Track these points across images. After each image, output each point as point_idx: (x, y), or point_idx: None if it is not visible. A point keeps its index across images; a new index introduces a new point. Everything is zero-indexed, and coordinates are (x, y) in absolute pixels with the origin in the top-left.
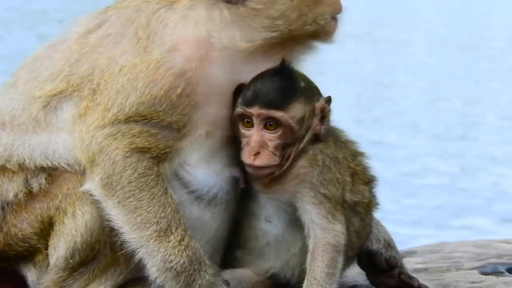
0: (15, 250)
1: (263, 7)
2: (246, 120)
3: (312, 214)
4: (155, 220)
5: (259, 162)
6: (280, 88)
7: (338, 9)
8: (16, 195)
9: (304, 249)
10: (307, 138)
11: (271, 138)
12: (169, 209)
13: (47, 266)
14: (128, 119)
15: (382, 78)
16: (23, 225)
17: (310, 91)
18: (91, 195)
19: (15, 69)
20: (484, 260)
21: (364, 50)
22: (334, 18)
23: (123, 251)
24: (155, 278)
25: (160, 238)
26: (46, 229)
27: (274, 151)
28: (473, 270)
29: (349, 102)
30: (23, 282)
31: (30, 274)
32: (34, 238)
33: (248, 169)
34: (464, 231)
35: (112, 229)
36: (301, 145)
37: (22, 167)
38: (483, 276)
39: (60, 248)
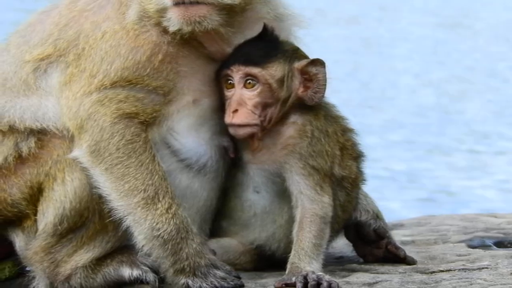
0: (3, 215)
1: None
2: (229, 81)
3: (301, 185)
4: (143, 188)
5: (237, 119)
6: (260, 47)
7: None
8: (5, 159)
9: (290, 222)
10: (290, 101)
11: (250, 96)
12: (157, 176)
13: (35, 232)
14: (114, 85)
15: None
16: (13, 190)
17: (292, 53)
18: (79, 162)
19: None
20: (471, 234)
21: None
22: (175, 4)
23: (112, 218)
24: (142, 246)
25: (147, 206)
26: (35, 194)
27: (253, 109)
28: (460, 243)
29: None
30: (10, 247)
31: (18, 239)
32: (23, 203)
33: (230, 130)
34: None
35: (101, 196)
36: (284, 108)
37: (12, 129)
38: (470, 249)
39: (49, 214)
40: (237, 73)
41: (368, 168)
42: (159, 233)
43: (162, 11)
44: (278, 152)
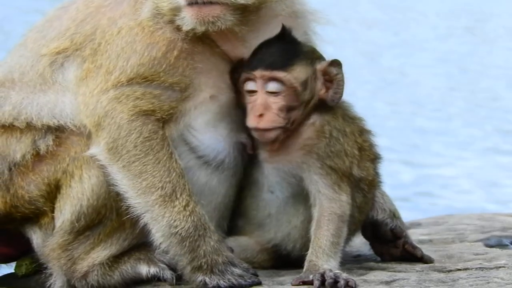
0: (21, 212)
1: None
2: (250, 87)
3: (319, 184)
4: (160, 185)
5: (263, 124)
6: (282, 51)
7: None
8: (23, 156)
9: (305, 223)
10: (312, 102)
11: (275, 100)
12: (174, 174)
13: (53, 229)
14: (130, 81)
15: None
16: (30, 187)
17: (312, 54)
18: (96, 159)
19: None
20: (488, 233)
21: None
22: (189, 4)
23: (129, 216)
24: (160, 243)
25: (165, 203)
26: (53, 192)
27: (278, 113)
28: (478, 242)
29: None
30: (28, 244)
31: (36, 236)
32: (41, 200)
33: (254, 134)
34: None
35: (118, 194)
36: (307, 110)
37: (30, 126)
38: (487, 248)
39: (66, 211)
40: (260, 78)
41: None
42: (176, 230)
43: (176, 10)
44: (295, 153)
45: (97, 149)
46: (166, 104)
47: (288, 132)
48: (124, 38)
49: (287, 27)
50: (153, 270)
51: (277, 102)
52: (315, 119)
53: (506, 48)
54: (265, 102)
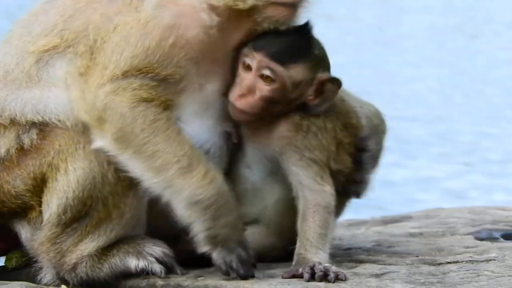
0: (8, 207)
1: None
2: (247, 63)
3: (300, 175)
4: (175, 159)
5: (241, 104)
6: (293, 46)
7: None
8: (7, 151)
9: (279, 204)
10: (296, 102)
11: (262, 88)
12: (187, 146)
13: (41, 223)
14: (125, 74)
15: None
16: (16, 182)
17: (319, 61)
18: (104, 151)
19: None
20: (479, 226)
21: None
22: (283, 5)
23: (115, 206)
24: (183, 216)
25: (183, 175)
26: (39, 185)
27: (259, 101)
28: (468, 235)
29: None
30: (17, 238)
31: (24, 231)
32: (27, 195)
33: (229, 108)
34: None
35: (104, 184)
36: (287, 107)
37: (13, 122)
38: (478, 242)
39: (53, 204)
40: (259, 62)
41: None
42: (198, 198)
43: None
44: (275, 142)
45: (104, 141)
46: (162, 95)
47: (265, 120)
48: (120, 33)
49: (310, 23)
50: (141, 263)
51: (263, 91)
52: (296, 113)
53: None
54: (253, 85)
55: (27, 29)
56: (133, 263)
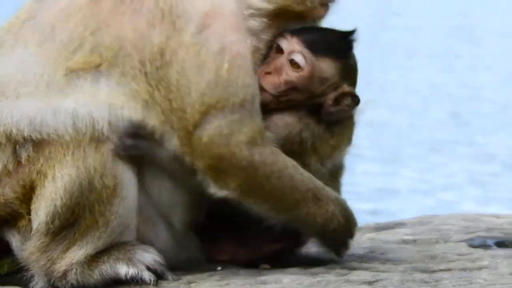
0: None
1: None
2: (281, 45)
3: None
4: (302, 196)
5: (264, 81)
6: (330, 42)
7: None
8: (5, 166)
9: None
10: (312, 102)
11: (289, 73)
12: (306, 177)
13: (30, 231)
14: (204, 116)
15: None
16: (5, 189)
17: (350, 70)
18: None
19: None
20: (472, 233)
21: None
22: (324, 4)
23: (101, 213)
24: (313, 239)
25: (312, 208)
26: (28, 193)
27: (282, 84)
28: (462, 242)
29: None
30: (8, 246)
31: (14, 239)
32: (16, 202)
33: None
34: None
35: (91, 191)
36: (303, 103)
37: (9, 138)
38: (471, 249)
39: (41, 212)
40: (292, 46)
41: None
42: (331, 228)
43: None
44: (273, 128)
45: (228, 192)
46: (255, 126)
47: (273, 104)
48: (174, 66)
49: (356, 32)
50: (132, 271)
51: (289, 75)
52: (300, 111)
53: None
54: (281, 67)
55: (44, 35)
56: (123, 270)
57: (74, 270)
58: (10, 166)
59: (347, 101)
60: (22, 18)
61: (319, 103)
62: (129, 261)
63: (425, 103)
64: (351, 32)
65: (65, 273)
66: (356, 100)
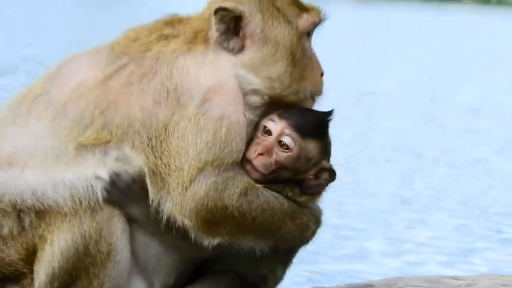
0: (2, 272)
1: (261, 64)
2: (268, 127)
3: None
4: (282, 220)
5: (257, 162)
6: (314, 125)
7: (318, 90)
8: (10, 231)
9: None
10: (298, 177)
11: (279, 154)
12: (284, 203)
13: None
14: (201, 171)
15: None
16: (10, 251)
17: (328, 148)
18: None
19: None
20: None
21: None
22: (312, 98)
23: (96, 276)
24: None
25: (289, 226)
26: (31, 255)
27: (272, 164)
28: None
29: None
30: None
31: None
32: (20, 263)
33: (245, 165)
34: None
35: (86, 255)
36: (289, 178)
37: (14, 207)
38: None
39: (41, 273)
40: (282, 129)
41: None
42: (309, 231)
43: None
44: None
45: (220, 239)
46: (244, 181)
47: (261, 181)
48: (175, 134)
49: (333, 113)
50: None
51: (278, 156)
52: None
53: None
54: (271, 148)
55: (57, 111)
56: None
57: None
58: (15, 231)
59: (325, 175)
60: (35, 92)
61: (301, 178)
62: None
63: None
64: (329, 113)
65: None
66: (333, 175)
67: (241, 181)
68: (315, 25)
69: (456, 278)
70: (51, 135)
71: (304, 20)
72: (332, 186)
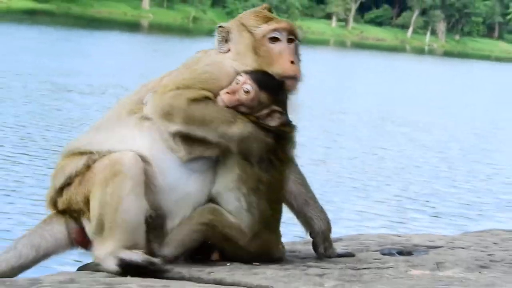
0: (72, 209)
1: (239, 58)
2: (238, 80)
3: None
4: (221, 116)
5: (225, 97)
6: (270, 83)
7: (285, 72)
8: (85, 166)
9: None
10: (255, 113)
11: (241, 95)
12: (222, 111)
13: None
14: (178, 88)
15: None
16: (78, 190)
17: (280, 102)
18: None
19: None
20: (383, 246)
21: None
22: (293, 78)
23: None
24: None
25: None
26: (88, 200)
27: (235, 101)
28: (376, 251)
29: None
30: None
31: (88, 226)
32: (84, 207)
33: (288, 82)
34: None
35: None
36: (249, 113)
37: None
38: (382, 256)
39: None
40: (246, 80)
41: None
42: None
43: None
44: None
45: (175, 127)
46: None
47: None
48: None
49: (284, 87)
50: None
51: (240, 96)
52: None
53: None
54: (237, 91)
55: (123, 101)
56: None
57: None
58: (84, 169)
59: (277, 115)
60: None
61: (257, 116)
62: None
63: None
64: (283, 83)
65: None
66: (284, 115)
67: (197, 94)
68: (274, 30)
69: (398, 235)
70: (116, 109)
71: (262, 29)
72: None
